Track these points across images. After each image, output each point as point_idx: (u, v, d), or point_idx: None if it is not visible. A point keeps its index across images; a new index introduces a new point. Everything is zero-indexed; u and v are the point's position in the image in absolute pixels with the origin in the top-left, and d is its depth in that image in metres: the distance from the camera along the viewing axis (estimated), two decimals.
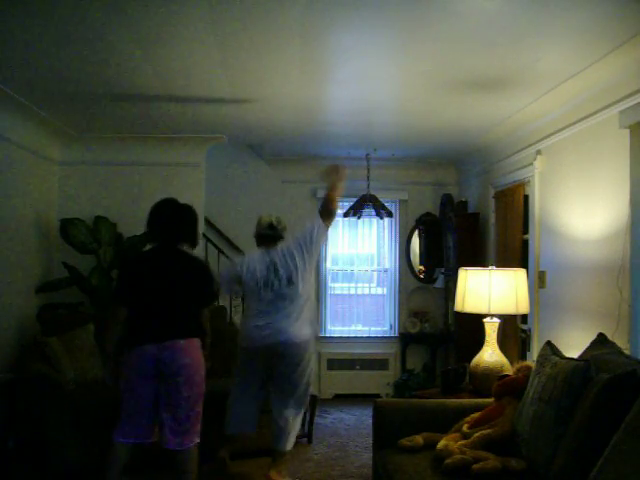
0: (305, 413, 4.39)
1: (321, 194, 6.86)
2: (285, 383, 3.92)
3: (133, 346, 3.35)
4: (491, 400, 3.20)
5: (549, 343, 3.02)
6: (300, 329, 3.87)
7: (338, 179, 3.99)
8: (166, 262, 3.46)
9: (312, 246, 3.92)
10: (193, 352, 3.39)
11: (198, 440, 3.46)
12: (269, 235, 3.98)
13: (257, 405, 4.03)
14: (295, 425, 3.95)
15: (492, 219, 5.51)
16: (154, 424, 3.40)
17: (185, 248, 3.52)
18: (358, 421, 5.84)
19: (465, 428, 3.05)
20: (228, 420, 3.99)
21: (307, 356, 3.93)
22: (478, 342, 4.02)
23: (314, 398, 5.11)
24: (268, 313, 3.85)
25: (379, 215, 6.28)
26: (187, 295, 3.45)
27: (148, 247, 3.66)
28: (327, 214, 4.02)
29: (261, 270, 3.88)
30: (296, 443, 4.11)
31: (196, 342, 3.43)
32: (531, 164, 4.54)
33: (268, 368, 3.94)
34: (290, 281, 3.85)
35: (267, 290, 3.86)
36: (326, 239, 4.14)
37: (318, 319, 4.31)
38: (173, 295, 3.41)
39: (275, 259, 3.90)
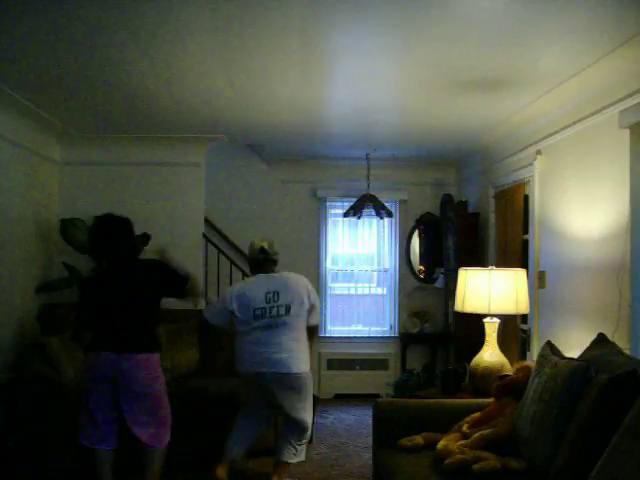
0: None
1: (321, 194, 6.92)
2: (286, 411, 3.88)
3: (93, 350, 3.46)
4: (491, 400, 3.20)
5: (549, 343, 3.03)
6: (298, 362, 3.81)
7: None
8: (116, 277, 3.54)
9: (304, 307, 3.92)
10: (150, 366, 3.50)
11: (166, 442, 3.57)
12: (262, 259, 3.97)
13: (256, 433, 4.01)
14: (299, 447, 3.92)
15: (492, 219, 5.51)
16: (115, 430, 3.50)
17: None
18: (358, 421, 5.84)
19: (465, 428, 3.05)
20: (230, 445, 3.93)
21: (306, 390, 3.87)
22: (478, 342, 4.01)
23: (314, 398, 5.10)
24: (264, 343, 3.77)
25: (379, 215, 6.28)
26: (145, 305, 3.55)
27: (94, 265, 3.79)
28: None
29: (258, 300, 3.81)
30: None
31: (155, 357, 3.54)
32: (531, 164, 4.54)
33: (271, 396, 3.88)
34: (288, 311, 3.81)
35: (262, 318, 3.79)
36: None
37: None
38: (130, 309, 3.50)
39: (277, 287, 3.86)
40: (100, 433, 3.46)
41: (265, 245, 3.97)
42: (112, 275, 3.56)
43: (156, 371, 3.53)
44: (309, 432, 4.00)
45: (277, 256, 4.03)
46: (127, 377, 3.42)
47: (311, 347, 4.05)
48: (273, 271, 3.99)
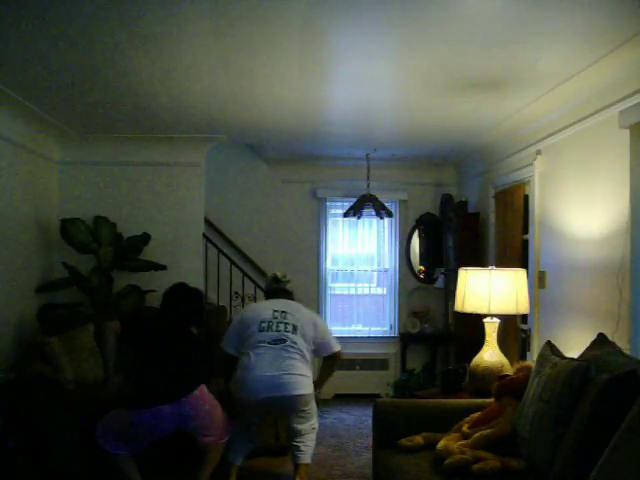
0: None
1: (321, 194, 6.92)
2: (292, 421, 3.91)
3: (144, 406, 3.50)
4: (491, 400, 3.20)
5: (549, 343, 3.03)
6: (300, 382, 3.74)
7: None
8: (176, 334, 3.75)
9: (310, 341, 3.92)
10: (206, 395, 3.67)
11: (227, 437, 3.82)
12: (275, 288, 4.12)
13: (254, 441, 4.03)
14: (308, 441, 3.93)
15: (492, 219, 5.51)
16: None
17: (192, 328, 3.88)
18: (358, 421, 5.84)
19: (465, 428, 3.05)
20: (232, 449, 3.94)
21: (308, 408, 3.85)
22: (478, 342, 4.02)
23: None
24: (265, 362, 3.71)
25: (379, 215, 6.28)
26: (192, 363, 3.70)
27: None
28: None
29: (265, 314, 3.87)
30: None
31: (204, 387, 3.68)
32: (531, 164, 4.54)
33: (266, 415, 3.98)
34: (295, 330, 3.82)
35: (269, 331, 3.79)
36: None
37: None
38: (181, 359, 3.65)
39: (285, 308, 3.93)
40: (137, 449, 3.61)
41: (278, 274, 4.15)
42: (172, 329, 3.76)
43: (211, 397, 3.72)
44: (310, 435, 3.97)
45: (289, 285, 4.16)
46: (193, 419, 3.57)
47: (330, 373, 4.14)
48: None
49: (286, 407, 3.80)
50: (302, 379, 3.75)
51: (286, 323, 3.83)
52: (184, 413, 3.52)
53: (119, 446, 3.58)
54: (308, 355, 3.87)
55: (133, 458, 3.63)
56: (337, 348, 4.04)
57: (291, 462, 4.01)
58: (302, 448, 3.90)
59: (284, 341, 3.77)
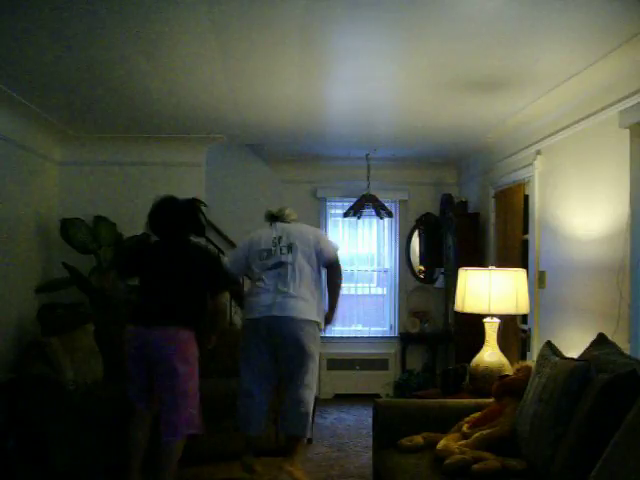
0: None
1: (321, 194, 6.92)
2: (290, 363, 3.88)
3: (130, 323, 3.69)
4: (491, 400, 3.21)
5: (549, 343, 3.03)
6: (303, 308, 3.85)
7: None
8: (169, 251, 3.75)
9: (315, 256, 4.03)
10: (180, 341, 3.61)
11: (189, 432, 3.65)
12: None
13: (265, 399, 3.95)
14: (309, 407, 3.90)
15: (492, 219, 5.51)
16: (149, 394, 3.71)
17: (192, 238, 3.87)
18: (358, 421, 5.84)
19: (465, 428, 3.05)
20: (239, 417, 3.92)
21: (310, 338, 3.88)
22: (478, 342, 4.02)
23: (314, 398, 5.09)
24: (270, 288, 3.88)
25: (379, 215, 6.29)
26: (189, 283, 3.71)
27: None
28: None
29: (266, 244, 4.01)
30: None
31: (187, 333, 3.65)
32: (531, 164, 4.54)
33: (272, 346, 3.89)
34: (290, 249, 3.94)
35: (268, 259, 3.95)
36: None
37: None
38: (174, 282, 3.69)
39: (281, 232, 4.03)
40: (136, 393, 3.73)
41: (274, 210, 4.19)
42: (162, 248, 3.78)
43: (186, 348, 3.64)
44: (308, 407, 3.91)
45: (289, 218, 4.15)
46: (157, 351, 3.58)
47: (335, 289, 4.16)
48: None
49: (286, 331, 3.81)
50: (302, 304, 3.86)
51: (282, 247, 3.98)
52: (150, 340, 3.57)
53: (132, 382, 3.70)
54: (310, 271, 3.97)
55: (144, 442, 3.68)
56: (334, 254, 4.10)
57: (285, 436, 3.98)
58: (301, 418, 3.84)
59: (283, 264, 3.92)
